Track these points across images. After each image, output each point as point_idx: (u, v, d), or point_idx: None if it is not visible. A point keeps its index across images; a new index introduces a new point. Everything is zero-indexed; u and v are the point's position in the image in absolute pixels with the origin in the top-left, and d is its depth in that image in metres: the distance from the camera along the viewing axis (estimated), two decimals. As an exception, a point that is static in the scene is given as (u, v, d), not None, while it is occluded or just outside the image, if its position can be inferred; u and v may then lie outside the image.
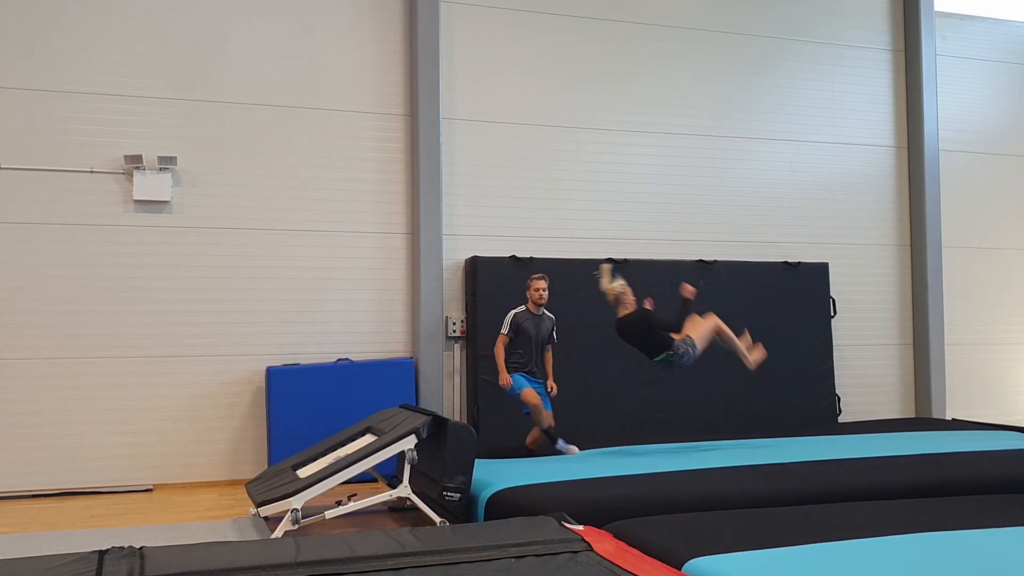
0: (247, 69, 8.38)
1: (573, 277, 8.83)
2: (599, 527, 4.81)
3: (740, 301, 9.39)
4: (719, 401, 9.21)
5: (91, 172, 7.92)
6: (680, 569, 4.04)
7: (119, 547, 4.30)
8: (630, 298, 7.20)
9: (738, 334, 7.35)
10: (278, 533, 5.57)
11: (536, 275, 7.64)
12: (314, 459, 6.46)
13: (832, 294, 9.91)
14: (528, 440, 7.53)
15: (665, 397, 9.00)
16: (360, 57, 8.70)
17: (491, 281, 8.62)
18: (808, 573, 3.93)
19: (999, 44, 11.09)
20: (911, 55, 10.53)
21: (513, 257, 8.79)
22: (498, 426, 8.32)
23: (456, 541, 4.43)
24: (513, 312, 7.50)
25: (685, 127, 9.69)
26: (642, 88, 9.55)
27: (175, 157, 8.01)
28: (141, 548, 4.30)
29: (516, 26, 9.16)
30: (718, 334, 7.22)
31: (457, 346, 8.83)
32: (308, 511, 5.80)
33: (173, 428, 7.98)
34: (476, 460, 5.98)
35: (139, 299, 7.96)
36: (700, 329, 7.13)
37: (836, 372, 9.84)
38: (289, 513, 5.62)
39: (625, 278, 7.35)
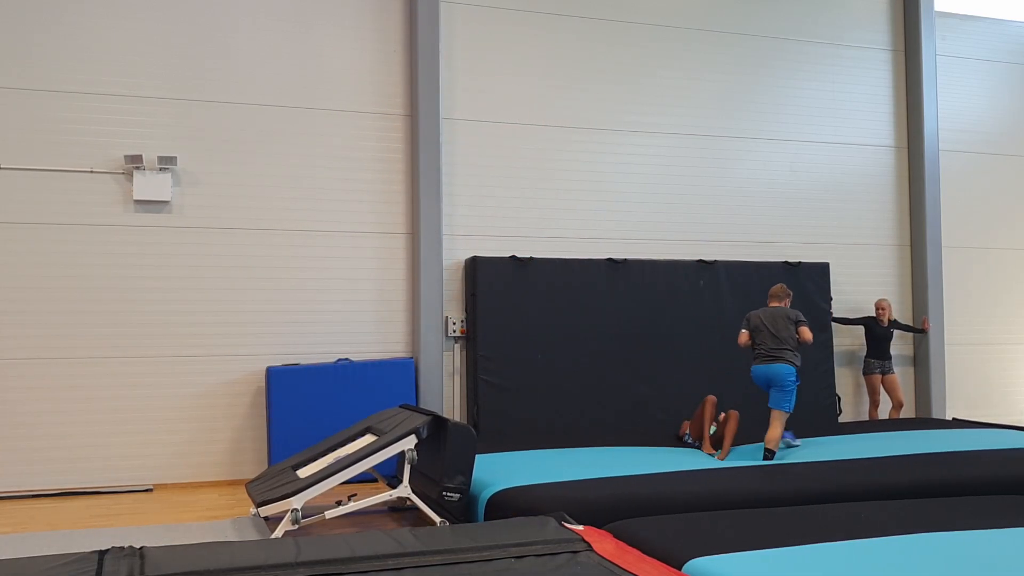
0: (247, 69, 8.38)
1: (573, 277, 8.84)
2: (599, 527, 4.81)
3: (740, 301, 9.39)
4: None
5: (91, 172, 7.92)
6: (680, 569, 4.05)
7: (119, 547, 4.31)
8: None
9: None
10: (278, 533, 5.57)
11: None
12: (314, 459, 6.46)
13: (832, 294, 9.90)
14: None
15: (665, 397, 8.99)
16: (360, 57, 8.70)
17: (491, 281, 8.62)
18: (808, 573, 3.93)
19: (999, 44, 11.09)
20: (911, 55, 10.53)
21: (513, 257, 8.78)
22: (498, 426, 8.33)
23: (456, 541, 4.43)
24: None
25: (685, 127, 9.69)
26: (642, 88, 9.55)
27: (175, 157, 8.01)
28: (141, 548, 4.30)
29: (516, 26, 9.16)
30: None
31: (457, 346, 8.83)
32: (308, 511, 5.80)
33: (173, 428, 7.98)
34: (476, 456, 5.99)
35: (139, 299, 7.96)
36: None
37: (836, 372, 9.84)
38: (289, 513, 5.62)
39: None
